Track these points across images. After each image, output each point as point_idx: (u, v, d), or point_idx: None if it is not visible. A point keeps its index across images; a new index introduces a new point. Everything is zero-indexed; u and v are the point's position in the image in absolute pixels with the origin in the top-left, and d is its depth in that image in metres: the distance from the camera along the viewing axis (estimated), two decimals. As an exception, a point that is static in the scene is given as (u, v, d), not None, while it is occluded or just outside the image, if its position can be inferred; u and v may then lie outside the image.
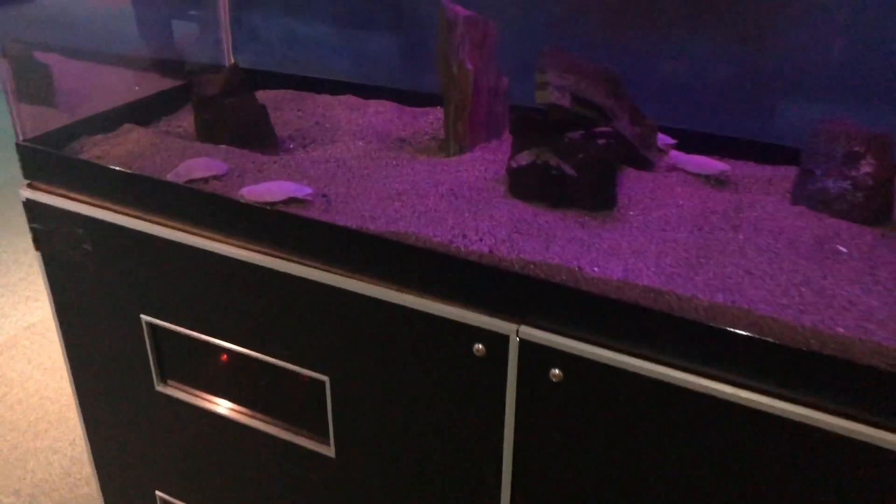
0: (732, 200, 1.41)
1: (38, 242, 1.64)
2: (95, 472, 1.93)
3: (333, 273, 1.28)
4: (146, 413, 1.74)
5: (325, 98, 1.84)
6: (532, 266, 1.20)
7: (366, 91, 1.81)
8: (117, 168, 1.43)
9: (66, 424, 2.81)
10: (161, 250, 1.41)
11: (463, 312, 1.18)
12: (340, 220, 1.27)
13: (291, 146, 1.69)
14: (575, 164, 1.43)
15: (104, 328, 1.68)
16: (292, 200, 1.33)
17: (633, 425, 1.13)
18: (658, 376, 1.10)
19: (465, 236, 1.27)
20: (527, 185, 1.47)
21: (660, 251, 1.22)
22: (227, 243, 1.34)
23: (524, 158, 1.47)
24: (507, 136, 1.70)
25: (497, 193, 1.46)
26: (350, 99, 1.82)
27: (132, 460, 1.84)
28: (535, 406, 1.18)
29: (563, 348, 1.12)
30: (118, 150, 1.51)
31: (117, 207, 1.45)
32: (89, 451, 1.90)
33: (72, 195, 1.50)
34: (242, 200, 1.31)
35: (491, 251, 1.24)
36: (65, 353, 1.78)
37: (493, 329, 1.16)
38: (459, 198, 1.42)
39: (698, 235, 1.26)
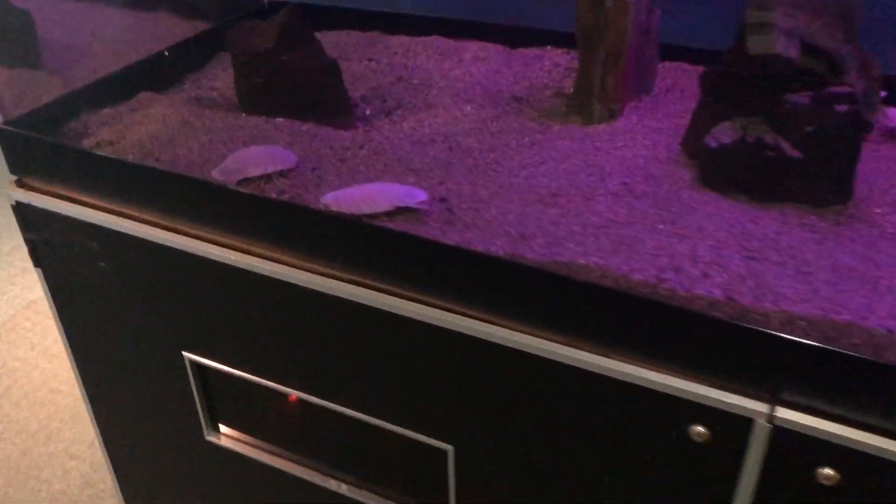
0: None
1: (38, 257, 1.23)
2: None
3: (467, 316, 0.95)
4: (191, 467, 1.36)
5: (402, 40, 1.48)
6: (802, 324, 0.78)
7: (456, 28, 1.47)
8: (139, 163, 1.08)
9: (81, 423, 2.43)
10: (209, 274, 1.09)
11: (675, 381, 0.86)
12: (477, 242, 0.94)
13: (368, 112, 1.28)
14: (799, 142, 0.99)
15: (134, 365, 1.30)
16: (399, 210, 1.00)
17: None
18: None
19: (678, 270, 0.85)
20: (728, 171, 1.03)
21: None
22: (305, 270, 1.02)
23: (726, 133, 1.03)
24: (659, 91, 1.30)
25: (682, 183, 1.05)
26: (437, 41, 1.47)
27: (177, 518, 1.48)
28: (787, 515, 0.86)
29: (842, 442, 0.81)
30: (138, 133, 1.13)
31: (144, 215, 1.12)
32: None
33: (79, 198, 1.16)
34: (328, 211, 1.00)
35: (729, 297, 0.82)
36: (84, 392, 1.39)
37: (727, 408, 0.84)
38: (641, 197, 1.00)
39: None
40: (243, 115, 1.23)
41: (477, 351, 0.95)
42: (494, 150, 1.13)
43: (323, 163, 1.10)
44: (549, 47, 1.45)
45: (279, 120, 1.21)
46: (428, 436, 1.08)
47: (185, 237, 1.10)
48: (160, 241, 1.11)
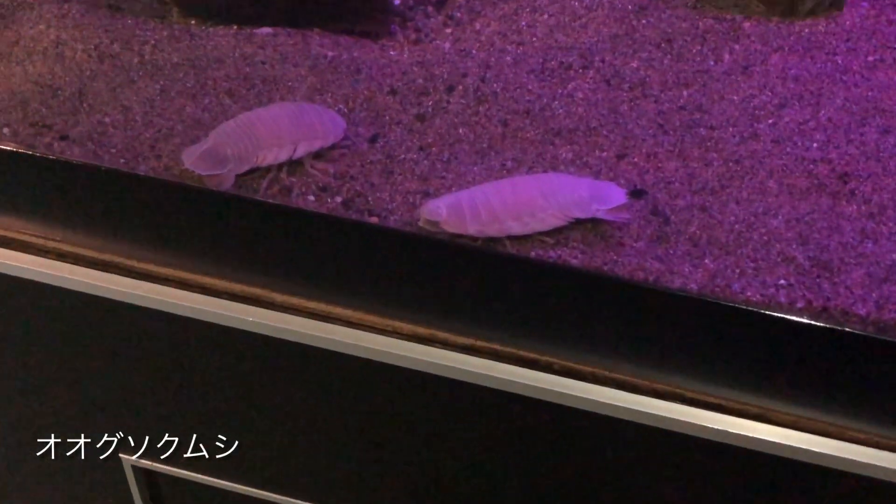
0: None
1: None
2: None
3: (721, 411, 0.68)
4: None
5: None
6: None
7: None
8: (24, 149, 0.79)
9: None
10: (170, 334, 0.81)
11: None
12: (737, 281, 0.69)
13: (398, 1, 0.94)
14: None
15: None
16: (576, 223, 0.72)
17: None
18: None
19: None
20: None
21: None
22: (381, 332, 0.75)
23: None
24: None
25: None
26: None
27: None
28: None
29: None
30: (7, 78, 0.83)
31: (42, 241, 0.80)
32: None
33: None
34: (437, 235, 0.74)
35: None
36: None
37: None
38: None
39: None
40: (192, 22, 0.90)
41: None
42: (685, 81, 0.83)
43: (389, 125, 0.80)
44: None
45: (264, 31, 0.90)
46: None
47: (124, 278, 0.78)
48: (69, 286, 0.78)
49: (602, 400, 0.70)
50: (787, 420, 0.68)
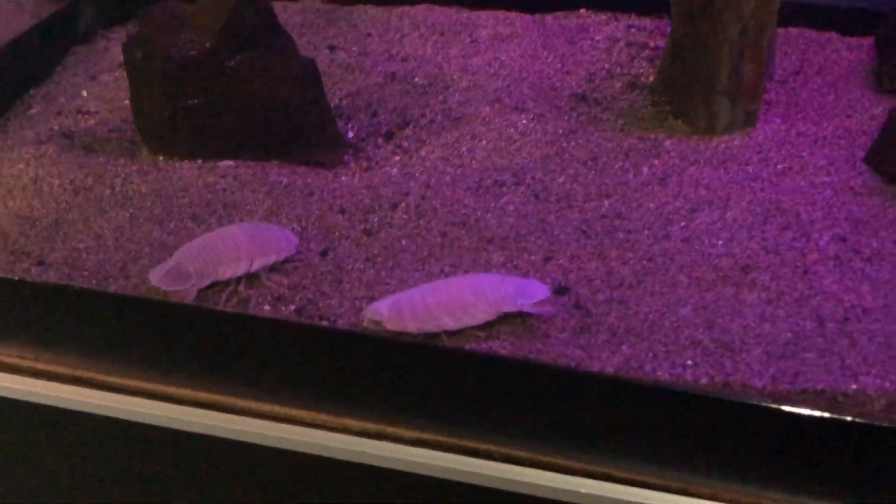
0: None
1: None
2: None
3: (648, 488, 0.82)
4: None
5: (375, 14, 1.38)
6: None
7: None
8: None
9: None
10: (155, 446, 0.94)
11: None
12: (650, 364, 0.83)
13: (352, 135, 1.15)
14: None
15: None
16: (505, 317, 0.88)
17: None
18: None
19: None
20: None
21: None
22: (341, 431, 0.88)
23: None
24: (786, 75, 1.23)
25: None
26: (430, 13, 1.37)
27: None
28: None
29: None
30: None
31: (23, 361, 0.94)
32: None
33: None
34: (378, 333, 0.88)
35: None
36: None
37: None
38: (874, 259, 0.91)
39: None
40: (160, 158, 1.10)
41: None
42: (607, 192, 1.04)
43: (338, 240, 0.99)
44: (582, 11, 1.38)
45: (226, 164, 1.09)
46: None
47: (96, 391, 0.93)
48: (62, 404, 0.92)
49: (540, 483, 0.83)
50: (707, 493, 0.81)
